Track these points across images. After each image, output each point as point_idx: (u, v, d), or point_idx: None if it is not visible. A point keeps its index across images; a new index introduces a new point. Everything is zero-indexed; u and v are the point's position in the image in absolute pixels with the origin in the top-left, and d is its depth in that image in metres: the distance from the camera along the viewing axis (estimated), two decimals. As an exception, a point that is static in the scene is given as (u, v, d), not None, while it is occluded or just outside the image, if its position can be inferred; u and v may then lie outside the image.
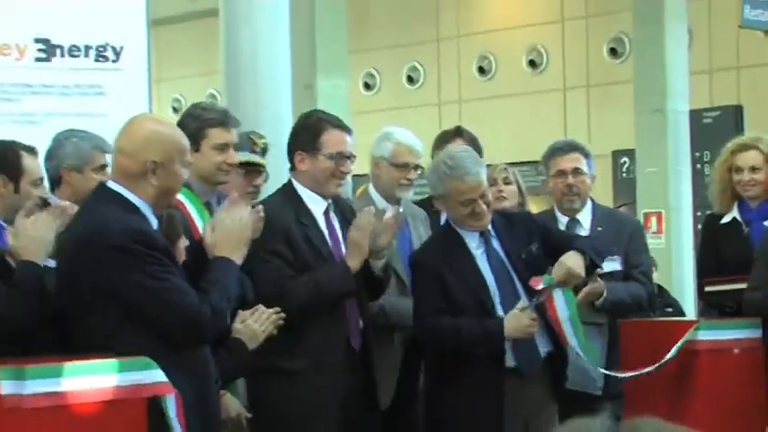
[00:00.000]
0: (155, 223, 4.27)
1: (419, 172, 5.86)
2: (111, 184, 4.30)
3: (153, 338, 4.10)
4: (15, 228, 4.39)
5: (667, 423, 1.29)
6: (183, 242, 4.53)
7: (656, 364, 5.36)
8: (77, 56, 6.82)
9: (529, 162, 12.44)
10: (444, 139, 6.40)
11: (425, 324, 5.34)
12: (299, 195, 5.25)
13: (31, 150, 5.04)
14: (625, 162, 16.21)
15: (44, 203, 4.71)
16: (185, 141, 4.44)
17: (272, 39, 7.96)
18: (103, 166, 5.40)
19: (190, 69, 19.46)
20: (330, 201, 5.34)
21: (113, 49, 6.86)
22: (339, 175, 5.33)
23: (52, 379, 3.84)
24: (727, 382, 5.47)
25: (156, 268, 4.14)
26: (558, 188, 6.05)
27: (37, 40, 6.73)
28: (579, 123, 16.85)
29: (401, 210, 5.78)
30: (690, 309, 9.83)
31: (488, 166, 5.91)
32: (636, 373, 5.41)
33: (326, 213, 5.31)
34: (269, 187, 5.67)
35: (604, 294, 5.74)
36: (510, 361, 5.25)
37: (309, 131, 5.33)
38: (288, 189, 5.31)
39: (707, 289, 6.14)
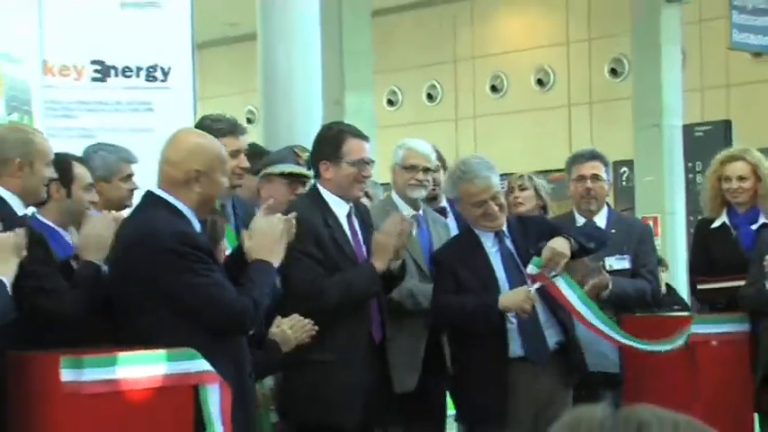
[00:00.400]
0: (197, 226, 4.28)
1: (430, 176, 5.85)
2: (158, 191, 4.30)
3: (197, 331, 4.10)
4: (81, 230, 4.41)
5: (665, 410, 1.27)
6: (224, 244, 4.55)
7: (669, 346, 5.34)
8: (130, 76, 6.84)
9: (538, 171, 12.41)
10: None
11: (437, 304, 5.35)
12: (325, 200, 5.24)
13: (82, 160, 5.06)
14: (625, 172, 16.16)
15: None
16: (225, 152, 4.45)
17: (304, 60, 7.98)
18: (130, 176, 5.40)
19: (230, 88, 19.49)
20: (352, 205, 5.34)
21: (162, 69, 6.88)
22: (361, 180, 5.33)
23: (107, 368, 3.85)
24: (718, 371, 5.45)
25: (201, 266, 4.15)
26: (578, 191, 6.07)
27: (93, 62, 6.76)
28: (583, 137, 16.80)
29: (422, 213, 5.81)
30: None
31: (508, 175, 5.94)
32: (653, 347, 5.37)
33: (349, 216, 5.30)
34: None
35: (610, 287, 5.74)
36: (519, 351, 5.23)
37: (331, 142, 5.32)
38: (314, 194, 5.30)
39: (699, 287, 6.14)
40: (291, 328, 4.69)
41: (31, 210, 4.56)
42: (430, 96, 19.61)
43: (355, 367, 5.09)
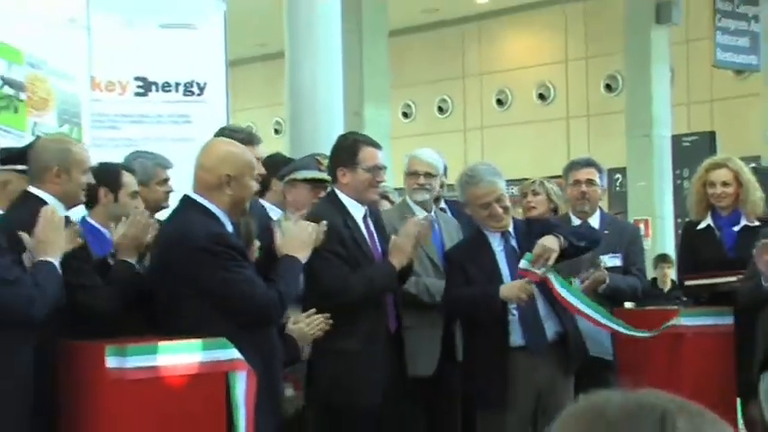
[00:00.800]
0: (230, 227, 4.28)
1: (431, 181, 5.84)
2: (194, 195, 4.30)
3: (229, 322, 4.09)
4: (119, 230, 4.43)
5: (675, 397, 1.23)
6: (256, 244, 4.55)
7: (654, 332, 5.33)
8: (169, 90, 6.85)
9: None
10: None
11: (448, 296, 5.35)
12: (343, 203, 5.24)
13: (129, 169, 5.07)
14: (618, 178, 16.14)
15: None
16: (253, 159, 4.45)
17: (327, 76, 7.99)
18: (165, 180, 5.38)
19: (259, 101, 19.54)
20: (367, 208, 5.34)
21: (198, 85, 6.89)
22: (375, 184, 5.32)
23: (148, 355, 3.85)
24: (704, 359, 5.44)
25: (233, 264, 4.15)
26: (574, 195, 6.08)
27: (136, 78, 6.77)
28: (580, 146, 16.79)
29: (434, 215, 5.80)
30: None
31: (512, 181, 5.94)
32: (637, 333, 5.36)
33: (365, 218, 5.28)
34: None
35: (607, 281, 5.75)
36: (519, 341, 5.21)
37: (348, 150, 5.32)
38: (332, 198, 5.29)
39: (686, 283, 6.11)
40: (308, 325, 4.69)
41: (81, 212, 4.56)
42: (441, 109, 19.62)
43: (375, 355, 5.09)
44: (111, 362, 3.79)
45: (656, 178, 14.15)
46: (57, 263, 3.88)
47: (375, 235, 5.29)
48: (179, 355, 3.91)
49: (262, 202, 5.61)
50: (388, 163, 5.51)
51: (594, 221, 6.03)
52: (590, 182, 6.08)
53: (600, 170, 6.18)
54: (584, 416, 1.10)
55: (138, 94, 6.76)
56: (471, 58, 19.24)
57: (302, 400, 5.19)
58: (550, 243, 5.15)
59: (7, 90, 6.24)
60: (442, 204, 6.22)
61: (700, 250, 5.98)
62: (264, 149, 5.42)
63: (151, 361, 3.85)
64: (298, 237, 4.44)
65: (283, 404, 4.57)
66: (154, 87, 6.81)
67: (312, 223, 4.59)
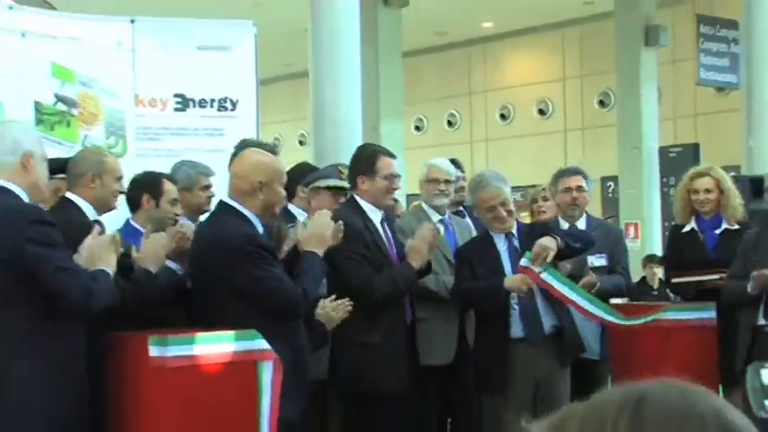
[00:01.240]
0: (261, 229, 4.29)
1: (449, 187, 5.84)
2: (229, 200, 4.31)
3: (259, 316, 4.09)
4: (141, 245, 4.38)
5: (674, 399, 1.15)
6: (287, 244, 4.56)
7: (641, 320, 5.30)
8: (205, 106, 6.85)
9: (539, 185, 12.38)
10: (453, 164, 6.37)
11: (457, 289, 5.36)
12: (362, 208, 5.24)
13: (171, 178, 5.08)
14: (610, 185, 16.12)
15: (175, 221, 4.76)
16: (283, 167, 4.46)
17: (347, 94, 7.99)
18: (207, 186, 5.39)
19: (286, 116, 19.56)
20: (383, 212, 5.34)
21: (231, 101, 6.89)
22: (392, 191, 5.33)
23: (187, 345, 3.86)
24: (689, 350, 5.42)
25: (264, 262, 4.15)
26: (565, 200, 6.05)
27: (175, 95, 6.78)
28: (576, 157, 16.75)
29: (447, 218, 5.81)
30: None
31: (515, 188, 5.92)
32: (634, 321, 5.33)
33: (382, 222, 5.29)
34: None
35: (597, 285, 5.73)
36: (519, 333, 5.21)
37: (367, 160, 5.32)
38: (352, 203, 5.29)
39: (672, 281, 6.10)
40: (333, 310, 4.69)
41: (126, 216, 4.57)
42: (450, 123, 19.61)
43: (395, 347, 5.10)
44: (153, 351, 3.80)
45: (645, 186, 14.11)
46: (110, 271, 3.84)
47: (391, 238, 5.30)
48: (214, 345, 3.92)
49: (290, 206, 5.63)
50: (402, 172, 5.51)
51: (581, 224, 6.02)
52: (579, 188, 6.06)
53: (586, 177, 6.17)
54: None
55: (177, 110, 6.77)
56: (477, 77, 19.24)
57: None
58: (548, 243, 5.15)
59: (61, 106, 6.27)
60: (460, 208, 6.21)
61: (685, 251, 5.97)
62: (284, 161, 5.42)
63: (189, 350, 3.85)
64: (317, 232, 4.43)
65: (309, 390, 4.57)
66: (191, 103, 6.81)
67: (328, 212, 4.58)
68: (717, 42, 14.19)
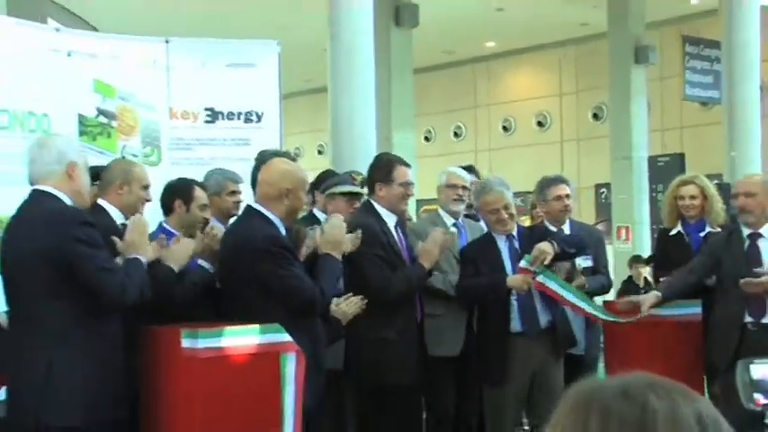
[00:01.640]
0: (284, 232, 4.29)
1: (466, 193, 5.83)
2: (255, 205, 4.31)
3: (281, 311, 4.09)
4: (169, 248, 4.37)
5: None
6: (305, 245, 4.55)
7: (633, 318, 5.26)
8: (233, 119, 6.85)
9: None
10: (468, 169, 6.36)
11: (461, 286, 5.33)
12: (378, 212, 5.23)
13: (202, 185, 5.08)
14: (603, 192, 16.10)
15: (206, 223, 4.76)
16: (306, 176, 4.46)
17: (363, 107, 7.99)
18: (234, 192, 5.37)
19: (306, 127, 19.60)
20: (397, 217, 5.33)
21: (257, 114, 6.89)
22: (407, 197, 5.33)
23: (216, 338, 3.84)
24: (676, 343, 5.39)
25: (286, 262, 4.14)
26: (557, 208, 5.98)
27: (206, 109, 6.78)
28: (572, 166, 16.76)
29: (461, 221, 5.79)
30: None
31: (526, 193, 5.91)
32: (626, 319, 5.28)
33: (396, 226, 5.29)
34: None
35: (586, 286, 5.72)
36: (518, 327, 5.19)
37: (384, 169, 5.31)
38: (369, 208, 5.28)
39: (661, 279, 6.08)
40: (347, 306, 4.68)
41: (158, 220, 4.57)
42: (456, 134, 19.62)
43: (407, 341, 5.09)
44: (185, 343, 3.79)
45: (636, 192, 14.09)
46: (143, 260, 3.89)
47: (403, 240, 5.30)
48: (241, 338, 3.91)
49: (314, 210, 5.62)
50: (412, 179, 5.49)
51: (566, 228, 5.99)
52: (568, 196, 6.02)
53: (569, 184, 6.13)
54: (580, 399, 1.05)
55: (207, 122, 6.77)
56: (481, 92, 19.24)
57: None
58: (546, 247, 5.13)
59: (102, 119, 6.28)
60: (474, 212, 6.20)
61: (672, 252, 5.94)
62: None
63: (218, 342, 3.84)
64: (334, 237, 4.42)
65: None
66: (220, 116, 6.82)
67: (341, 217, 4.56)
68: (701, 61, 14.18)
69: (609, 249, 6.30)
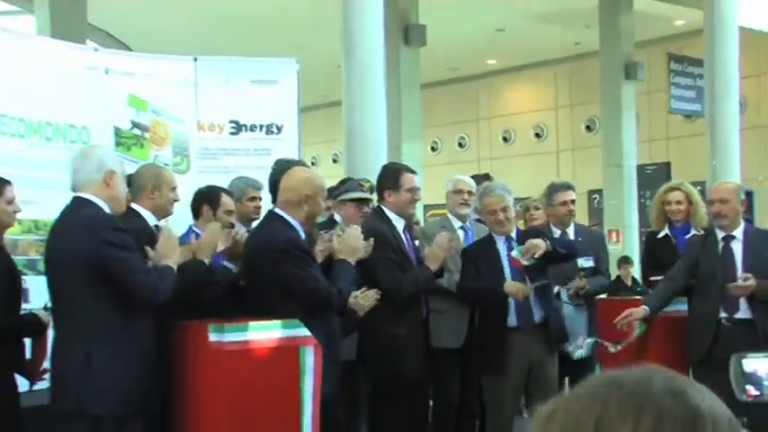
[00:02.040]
0: (303, 235, 4.28)
1: (471, 198, 5.81)
2: (277, 210, 4.30)
3: (301, 308, 4.09)
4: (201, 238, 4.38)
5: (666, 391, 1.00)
6: (320, 247, 4.54)
7: (627, 341, 5.17)
8: (255, 130, 6.85)
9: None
10: (482, 178, 6.34)
11: (462, 287, 5.31)
12: (388, 217, 5.23)
13: (229, 192, 5.08)
14: (596, 197, 16.06)
15: (231, 226, 4.76)
16: (324, 183, 4.45)
17: (374, 119, 7.98)
18: (254, 198, 5.36)
19: (322, 138, 19.59)
20: (405, 221, 5.32)
21: (277, 126, 6.89)
22: (414, 202, 5.32)
23: (241, 332, 3.85)
24: (664, 338, 5.37)
25: (304, 263, 4.15)
26: (562, 212, 5.96)
27: (231, 122, 6.79)
28: (567, 173, 16.70)
29: (469, 224, 5.75)
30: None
31: (524, 199, 5.89)
32: (618, 344, 5.17)
33: (404, 230, 5.29)
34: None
35: (586, 287, 5.70)
36: (514, 322, 5.16)
37: (392, 176, 5.30)
38: (379, 213, 5.27)
39: (650, 279, 6.05)
40: (363, 299, 4.68)
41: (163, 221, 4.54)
42: (460, 145, 19.60)
43: (415, 335, 5.08)
44: (212, 337, 3.80)
45: (626, 198, 14.04)
46: (173, 266, 3.88)
47: (411, 243, 5.29)
48: (264, 332, 3.91)
49: (335, 215, 5.61)
50: (420, 186, 5.49)
51: (570, 231, 5.98)
52: (572, 201, 6.01)
53: (575, 190, 6.13)
54: (601, 386, 0.97)
55: (231, 134, 6.78)
56: (483, 106, 19.23)
57: None
58: (538, 242, 5.10)
59: (136, 131, 6.29)
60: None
61: (659, 253, 5.93)
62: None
63: (243, 336, 3.85)
64: (348, 245, 4.40)
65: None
66: (244, 128, 6.82)
67: (358, 228, 4.55)
68: (685, 77, 14.18)
69: (602, 251, 6.28)
